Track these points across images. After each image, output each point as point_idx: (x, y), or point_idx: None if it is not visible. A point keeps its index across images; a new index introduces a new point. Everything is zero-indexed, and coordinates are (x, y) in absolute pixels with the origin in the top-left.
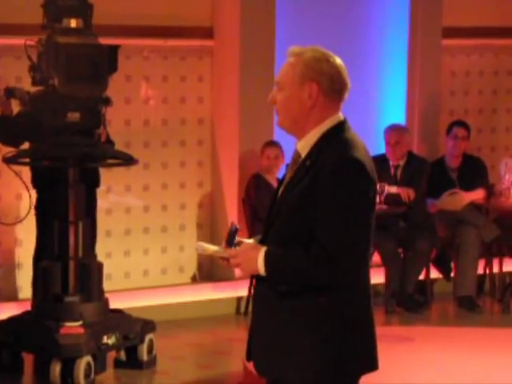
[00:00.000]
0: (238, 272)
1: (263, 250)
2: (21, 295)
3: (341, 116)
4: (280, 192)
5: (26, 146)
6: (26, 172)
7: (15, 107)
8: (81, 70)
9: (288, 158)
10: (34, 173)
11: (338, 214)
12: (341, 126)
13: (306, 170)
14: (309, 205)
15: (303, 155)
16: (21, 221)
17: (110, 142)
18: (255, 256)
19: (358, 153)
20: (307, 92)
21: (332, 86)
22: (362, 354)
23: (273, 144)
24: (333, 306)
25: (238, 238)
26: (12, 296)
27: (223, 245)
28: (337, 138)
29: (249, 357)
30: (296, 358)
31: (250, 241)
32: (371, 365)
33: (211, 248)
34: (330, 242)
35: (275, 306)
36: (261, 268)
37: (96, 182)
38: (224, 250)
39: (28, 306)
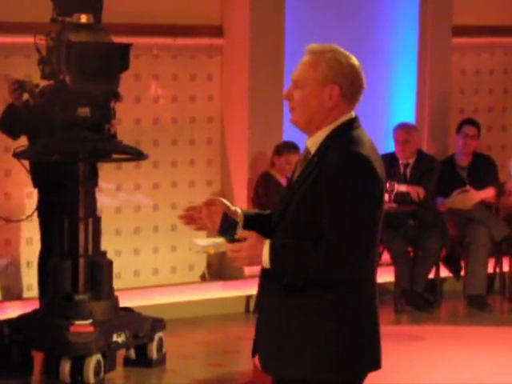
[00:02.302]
0: (247, 270)
1: (267, 242)
2: (30, 294)
3: (352, 114)
4: (290, 187)
5: (24, 140)
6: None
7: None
8: (92, 68)
9: None
10: (36, 172)
11: (342, 209)
12: (350, 124)
13: (314, 166)
14: (315, 201)
15: (312, 152)
16: (26, 218)
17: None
18: (260, 249)
19: (364, 149)
20: (328, 93)
21: (351, 88)
22: (365, 353)
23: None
24: (338, 303)
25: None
26: (21, 294)
27: (221, 238)
28: (344, 135)
29: (254, 353)
30: (300, 356)
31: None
32: (375, 364)
33: (210, 246)
34: (334, 236)
35: (280, 304)
36: (265, 261)
37: (95, 181)
38: (225, 244)
39: (37, 305)
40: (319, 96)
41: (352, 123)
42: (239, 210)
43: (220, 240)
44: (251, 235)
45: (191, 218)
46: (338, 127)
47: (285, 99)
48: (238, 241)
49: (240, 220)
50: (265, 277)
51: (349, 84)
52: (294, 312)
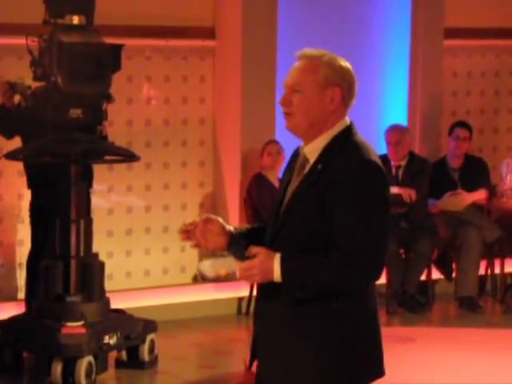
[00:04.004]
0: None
1: (278, 256)
2: (22, 295)
3: (347, 120)
4: (289, 196)
5: (18, 141)
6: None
7: (16, 101)
8: (84, 68)
9: (287, 156)
10: (31, 173)
11: (360, 218)
12: (349, 130)
13: (318, 174)
14: (325, 210)
15: (312, 160)
16: None
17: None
18: (270, 264)
19: (373, 156)
20: (329, 96)
21: (350, 91)
22: (373, 362)
23: (273, 141)
24: (347, 312)
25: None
26: (13, 296)
27: (230, 257)
28: (349, 142)
29: (251, 364)
30: (310, 368)
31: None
32: (381, 371)
33: (220, 268)
34: (352, 246)
35: (287, 315)
36: (277, 276)
37: (89, 183)
38: (234, 262)
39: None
40: (321, 99)
41: (350, 129)
42: (233, 229)
43: (228, 259)
44: (260, 251)
45: (188, 233)
46: (338, 134)
47: (282, 105)
48: (247, 258)
49: (231, 239)
50: (269, 288)
51: (348, 87)
52: (302, 324)
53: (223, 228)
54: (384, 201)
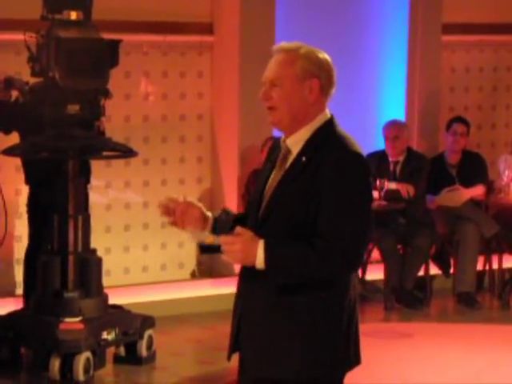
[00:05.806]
0: (237, 267)
1: (262, 242)
2: (20, 291)
3: (328, 112)
4: (272, 188)
5: (16, 137)
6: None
7: (14, 97)
8: (82, 64)
9: None
10: (29, 168)
11: (344, 208)
12: (331, 123)
13: (303, 167)
14: (311, 201)
15: (295, 152)
16: None
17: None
18: (254, 248)
19: (358, 148)
20: (308, 87)
21: (329, 81)
22: (353, 349)
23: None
24: (332, 300)
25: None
26: (11, 291)
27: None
28: (332, 135)
29: (230, 355)
30: (294, 355)
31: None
32: (359, 360)
33: (208, 235)
34: (336, 234)
35: (271, 304)
36: (259, 261)
37: (87, 179)
38: (219, 236)
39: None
40: (300, 91)
41: (332, 122)
42: (210, 215)
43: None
44: (245, 231)
45: (168, 209)
46: (320, 126)
47: (263, 100)
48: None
49: (209, 225)
50: (251, 277)
51: (326, 77)
52: (285, 311)
53: (203, 214)
54: (368, 191)
